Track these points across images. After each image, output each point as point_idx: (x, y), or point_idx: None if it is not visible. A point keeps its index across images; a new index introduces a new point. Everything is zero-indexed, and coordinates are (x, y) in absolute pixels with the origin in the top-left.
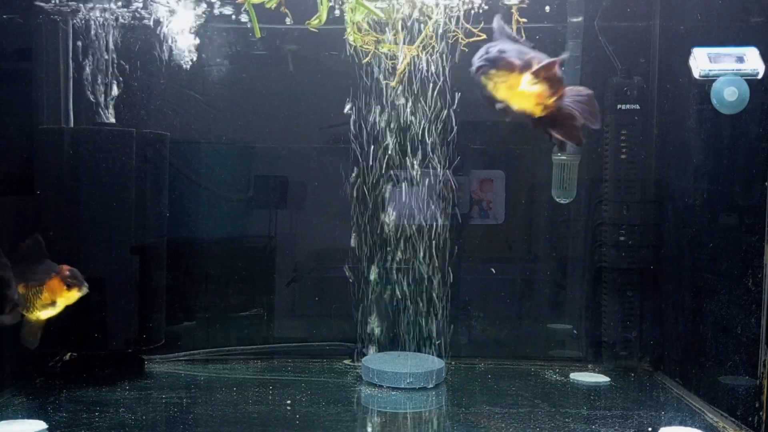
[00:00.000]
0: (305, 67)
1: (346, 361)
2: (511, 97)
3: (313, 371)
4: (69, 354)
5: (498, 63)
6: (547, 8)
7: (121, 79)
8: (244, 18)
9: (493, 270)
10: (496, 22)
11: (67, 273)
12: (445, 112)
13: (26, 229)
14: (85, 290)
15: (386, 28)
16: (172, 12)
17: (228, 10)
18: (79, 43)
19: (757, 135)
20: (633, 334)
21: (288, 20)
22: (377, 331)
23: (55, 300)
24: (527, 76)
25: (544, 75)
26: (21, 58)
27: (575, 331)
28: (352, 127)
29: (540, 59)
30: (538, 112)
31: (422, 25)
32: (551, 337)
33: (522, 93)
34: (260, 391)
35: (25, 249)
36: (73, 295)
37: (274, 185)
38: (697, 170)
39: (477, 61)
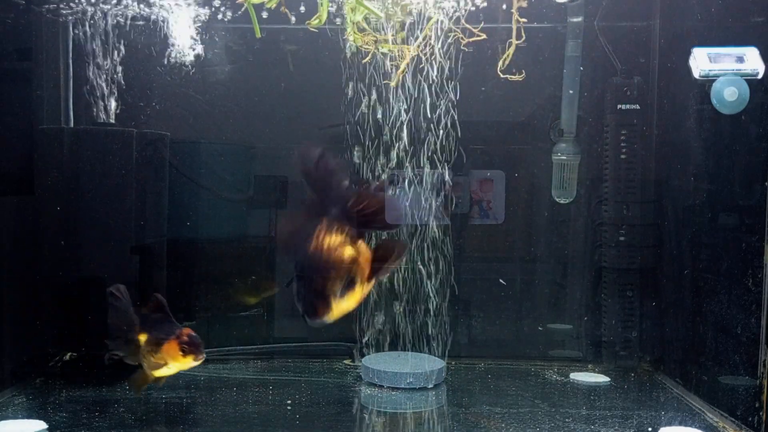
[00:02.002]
0: (305, 67)
1: (346, 361)
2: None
3: (313, 371)
4: (69, 354)
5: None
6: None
7: (121, 79)
8: (244, 18)
9: (502, 281)
10: None
11: (186, 339)
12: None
13: (26, 229)
14: (201, 359)
15: (386, 28)
16: (172, 12)
17: (228, 10)
18: (80, 43)
19: (757, 135)
20: (633, 334)
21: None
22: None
23: (169, 362)
24: None
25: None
26: (21, 58)
27: (540, 327)
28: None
29: None
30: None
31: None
32: (551, 337)
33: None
34: (260, 391)
35: (150, 307)
36: (188, 362)
37: (274, 185)
38: (697, 170)
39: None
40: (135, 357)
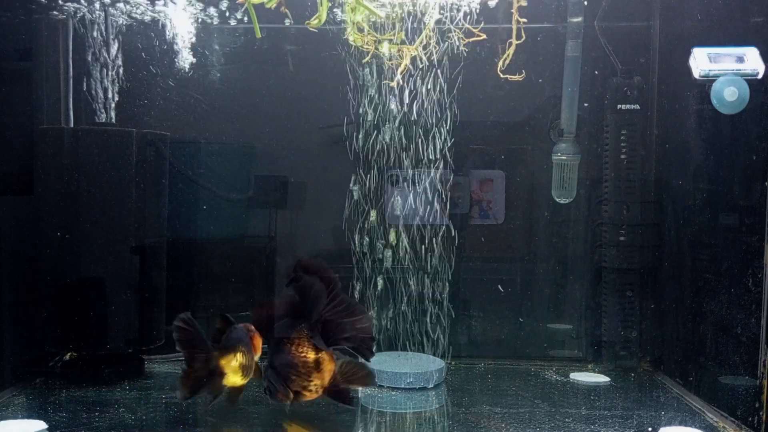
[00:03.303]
0: (305, 67)
1: None
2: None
3: None
4: (69, 354)
5: None
6: None
7: (121, 78)
8: (244, 18)
9: (501, 288)
10: None
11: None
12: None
13: (26, 229)
14: None
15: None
16: (173, 12)
17: (228, 11)
18: (80, 43)
19: (757, 135)
20: (633, 334)
21: (288, 21)
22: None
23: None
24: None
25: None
26: (21, 58)
27: (521, 319)
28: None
29: None
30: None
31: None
32: (551, 337)
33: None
34: (260, 391)
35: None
36: None
37: (274, 185)
38: (697, 170)
39: None
40: (214, 382)
